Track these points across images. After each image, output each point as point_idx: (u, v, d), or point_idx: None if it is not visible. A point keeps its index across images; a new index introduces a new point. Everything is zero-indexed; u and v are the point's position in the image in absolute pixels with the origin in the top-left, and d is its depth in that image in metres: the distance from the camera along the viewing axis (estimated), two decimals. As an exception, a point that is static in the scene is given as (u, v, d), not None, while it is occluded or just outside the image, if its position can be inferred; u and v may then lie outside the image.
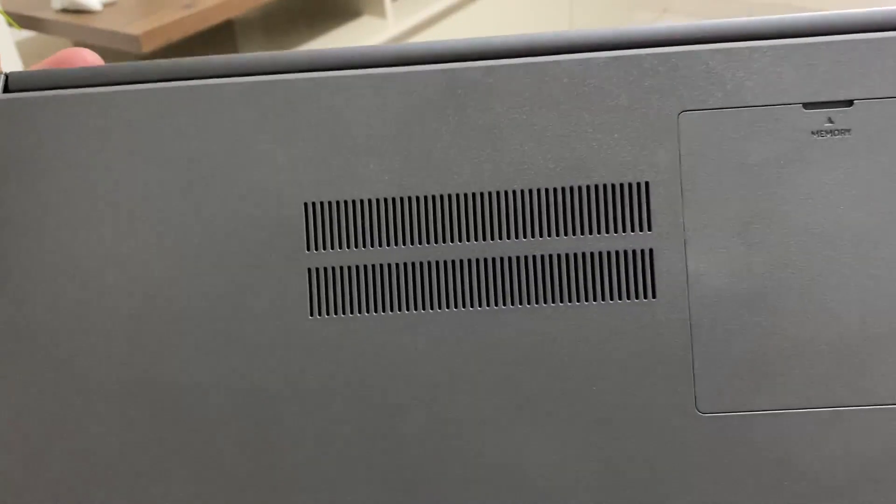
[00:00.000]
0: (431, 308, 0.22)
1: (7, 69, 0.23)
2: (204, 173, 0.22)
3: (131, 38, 1.01)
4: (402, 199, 0.22)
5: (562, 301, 0.22)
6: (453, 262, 0.22)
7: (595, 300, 0.22)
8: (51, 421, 0.22)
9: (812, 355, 0.21)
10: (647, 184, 0.22)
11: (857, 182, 0.21)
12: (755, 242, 0.22)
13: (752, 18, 0.22)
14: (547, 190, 0.22)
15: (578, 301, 0.22)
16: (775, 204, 0.22)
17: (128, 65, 0.23)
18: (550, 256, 0.22)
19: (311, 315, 0.22)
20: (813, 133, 0.22)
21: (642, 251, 0.22)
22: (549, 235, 0.22)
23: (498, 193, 0.22)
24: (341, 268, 0.22)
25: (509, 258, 0.22)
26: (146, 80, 0.23)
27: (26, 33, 1.17)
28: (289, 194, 0.22)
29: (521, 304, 0.22)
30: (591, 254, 0.22)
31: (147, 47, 1.01)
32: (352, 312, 0.22)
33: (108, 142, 0.22)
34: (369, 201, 0.22)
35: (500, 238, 0.22)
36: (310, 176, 0.22)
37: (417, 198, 0.22)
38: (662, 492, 0.22)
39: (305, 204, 0.22)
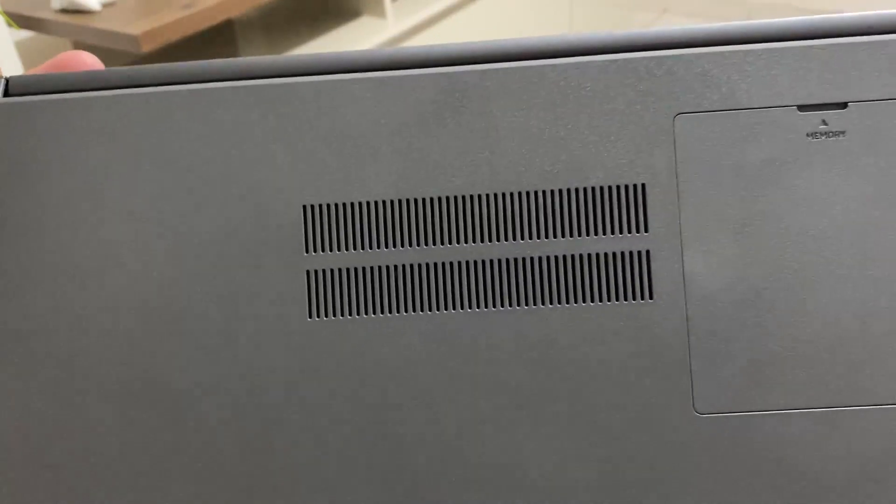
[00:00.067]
0: (430, 310, 0.22)
1: (6, 69, 0.23)
2: (203, 176, 0.22)
3: (130, 39, 1.01)
4: (400, 201, 0.22)
5: (559, 302, 0.22)
6: (451, 263, 0.22)
7: (592, 301, 0.22)
8: (51, 421, 0.22)
9: (809, 356, 0.22)
10: (643, 186, 0.22)
11: (852, 183, 0.22)
12: (751, 244, 0.22)
13: (747, 22, 0.22)
14: (544, 192, 0.22)
15: (576, 302, 0.22)
16: (771, 205, 0.22)
17: (128, 69, 0.23)
18: (548, 258, 0.22)
19: (310, 317, 0.22)
20: (808, 135, 0.22)
21: (639, 253, 0.22)
22: (547, 237, 0.22)
23: (495, 196, 0.22)
24: (340, 270, 0.22)
25: (507, 260, 0.22)
26: (146, 83, 0.23)
27: (26, 33, 1.17)
28: (287, 197, 0.22)
29: (519, 305, 0.22)
30: (589, 255, 0.22)
31: (146, 47, 1.01)
32: (350, 314, 0.22)
33: (108, 145, 0.22)
34: (367, 204, 0.22)
35: (498, 240, 0.22)
36: (308, 178, 0.22)
37: (415, 200, 0.22)
38: (661, 492, 0.22)
39: (304, 206, 0.22)
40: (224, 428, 0.22)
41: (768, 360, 0.22)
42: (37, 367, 0.22)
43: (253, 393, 0.22)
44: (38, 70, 0.24)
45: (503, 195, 0.22)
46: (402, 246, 0.22)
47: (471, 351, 0.22)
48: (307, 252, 0.22)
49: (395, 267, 0.22)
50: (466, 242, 0.22)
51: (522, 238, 0.22)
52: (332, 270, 0.22)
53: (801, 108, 0.22)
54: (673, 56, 0.22)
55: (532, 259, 0.22)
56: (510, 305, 0.22)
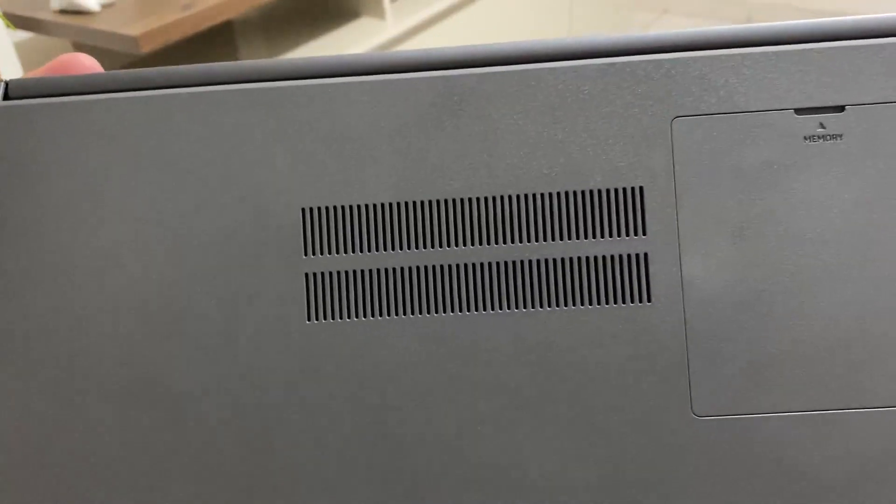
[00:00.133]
0: (429, 312, 0.22)
1: (5, 70, 0.23)
2: (203, 179, 0.22)
3: (130, 39, 1.01)
4: (398, 204, 0.22)
5: (558, 305, 0.22)
6: (450, 266, 0.22)
7: (591, 304, 0.22)
8: (51, 421, 0.22)
9: (807, 358, 0.22)
10: (641, 189, 0.22)
11: (849, 186, 0.22)
12: (749, 247, 0.22)
13: (744, 25, 0.22)
14: (542, 195, 0.22)
15: (574, 305, 0.22)
16: (768, 208, 0.22)
17: (127, 72, 0.23)
18: (546, 261, 0.22)
19: (309, 320, 0.22)
20: (805, 138, 0.22)
21: (637, 255, 0.22)
22: (545, 240, 0.22)
23: (493, 199, 0.22)
24: (339, 272, 0.22)
25: (505, 263, 0.22)
26: (145, 86, 0.23)
27: (25, 34, 1.17)
28: (286, 199, 0.22)
29: (517, 308, 0.22)
30: (587, 258, 0.22)
31: (145, 48, 1.01)
32: (349, 317, 0.22)
33: (107, 148, 0.23)
34: (366, 206, 0.22)
35: (497, 243, 0.22)
36: (307, 181, 0.22)
37: (414, 203, 0.22)
38: (660, 493, 0.22)
39: (303, 209, 0.22)
40: (224, 428, 0.22)
41: (767, 363, 0.22)
42: (37, 368, 0.22)
43: (253, 394, 0.22)
44: (37, 72, 0.24)
45: (501, 198, 0.22)
46: (401, 249, 0.22)
47: (470, 353, 0.22)
48: (306, 255, 0.22)
49: (394, 270, 0.22)
50: (465, 245, 0.22)
51: (521, 241, 0.22)
52: (330, 273, 0.22)
53: (799, 111, 0.22)
54: (671, 59, 0.22)
55: (531, 262, 0.22)
56: (508, 308, 0.22)
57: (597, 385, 0.22)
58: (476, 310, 0.22)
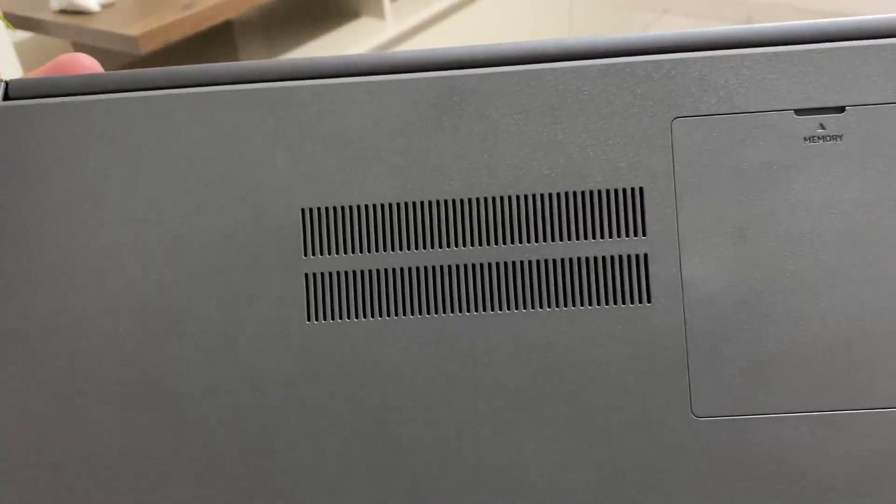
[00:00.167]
0: (428, 313, 0.22)
1: (5, 70, 0.23)
2: (202, 179, 0.22)
3: (129, 39, 1.01)
4: (398, 204, 0.22)
5: (557, 306, 0.22)
6: (449, 267, 0.22)
7: (590, 305, 0.22)
8: (51, 422, 0.22)
9: (807, 359, 0.22)
10: (641, 189, 0.22)
11: (849, 187, 0.22)
12: (749, 247, 0.22)
13: (744, 26, 0.22)
14: (542, 196, 0.22)
15: (574, 306, 0.22)
16: (768, 209, 0.22)
17: (127, 72, 0.23)
18: (546, 261, 0.22)
19: (308, 320, 0.22)
20: (805, 139, 0.22)
21: (637, 256, 0.22)
22: (545, 241, 0.22)
23: (493, 199, 0.22)
24: (339, 273, 0.22)
25: (505, 263, 0.22)
26: (145, 87, 0.23)
27: (24, 34, 1.17)
28: (286, 200, 0.22)
29: (517, 308, 0.22)
30: (587, 259, 0.22)
31: (145, 48, 1.01)
32: (349, 318, 0.22)
33: (107, 149, 0.23)
34: (366, 207, 0.22)
35: (496, 243, 0.22)
36: (307, 182, 0.22)
37: (414, 203, 0.22)
38: (660, 494, 0.22)
39: (303, 210, 0.22)
40: (224, 429, 0.22)
41: (766, 363, 0.22)
42: (37, 368, 0.22)
43: (253, 394, 0.22)
44: (37, 72, 0.24)
45: (501, 198, 0.22)
46: (401, 249, 0.22)
47: (469, 354, 0.22)
48: (306, 255, 0.22)
49: (394, 270, 0.22)
50: (465, 246, 0.22)
51: (521, 241, 0.22)
52: (330, 273, 0.22)
53: (799, 111, 0.22)
54: (671, 60, 0.22)
55: (530, 262, 0.22)
56: (508, 309, 0.22)
57: (597, 385, 0.22)
58: (476, 310, 0.22)
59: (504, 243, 0.22)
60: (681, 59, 0.22)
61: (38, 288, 0.22)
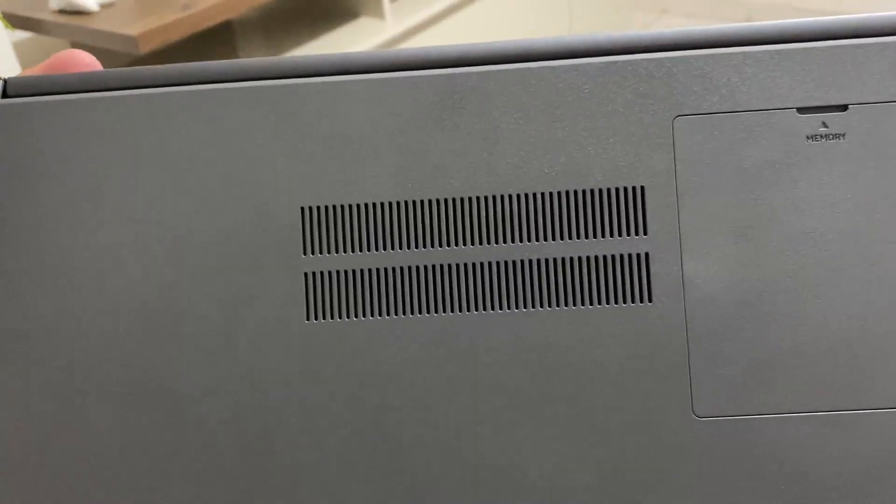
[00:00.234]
0: (428, 312, 0.22)
1: (4, 70, 0.23)
2: (202, 178, 0.22)
3: (129, 39, 1.01)
4: (398, 203, 0.22)
5: (558, 305, 0.22)
6: (450, 266, 0.22)
7: (591, 304, 0.22)
8: (51, 421, 0.22)
9: (809, 359, 0.22)
10: (642, 188, 0.22)
11: (852, 186, 0.22)
12: (750, 246, 0.22)
13: (746, 24, 0.22)
14: (543, 194, 0.22)
15: (575, 305, 0.22)
16: (770, 208, 0.22)
17: (126, 70, 0.23)
18: (546, 260, 0.22)
19: (308, 319, 0.22)
20: (808, 137, 0.22)
21: (638, 255, 0.22)
22: (546, 240, 0.22)
23: (494, 198, 0.22)
24: (338, 272, 0.22)
25: (506, 262, 0.22)
26: (144, 85, 0.23)
27: (23, 34, 1.17)
28: (285, 198, 0.22)
29: (517, 308, 0.22)
30: (587, 258, 0.22)
31: (144, 48, 1.01)
32: (348, 317, 0.22)
33: (106, 147, 0.22)
34: (366, 205, 0.22)
35: (497, 242, 0.22)
36: (307, 180, 0.22)
37: (414, 202, 0.22)
38: (661, 494, 0.22)
39: (302, 208, 0.22)
40: (224, 429, 0.22)
41: (768, 363, 0.22)
42: (37, 368, 0.22)
43: (253, 394, 0.22)
44: (35, 70, 0.24)
45: (501, 197, 0.22)
46: (401, 248, 0.22)
47: (469, 353, 0.22)
48: (305, 254, 0.22)
49: (394, 269, 0.22)
50: (465, 245, 0.22)
51: (521, 240, 0.22)
52: (330, 272, 0.22)
53: (801, 110, 0.22)
54: (672, 58, 0.22)
55: (531, 261, 0.22)
56: (508, 308, 0.22)
57: (597, 385, 0.22)
58: (476, 309, 0.22)
59: (504, 242, 0.22)
60: (682, 57, 0.22)
61: (38, 288, 0.22)
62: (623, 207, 0.22)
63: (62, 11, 1.09)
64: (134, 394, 0.22)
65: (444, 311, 0.22)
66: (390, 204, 0.22)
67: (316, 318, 0.22)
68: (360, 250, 0.22)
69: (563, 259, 0.22)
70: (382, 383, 0.22)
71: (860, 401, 0.21)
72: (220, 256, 0.22)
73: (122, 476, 0.22)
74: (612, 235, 0.22)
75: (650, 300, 0.22)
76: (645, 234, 0.22)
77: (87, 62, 0.24)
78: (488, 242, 0.22)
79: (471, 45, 0.22)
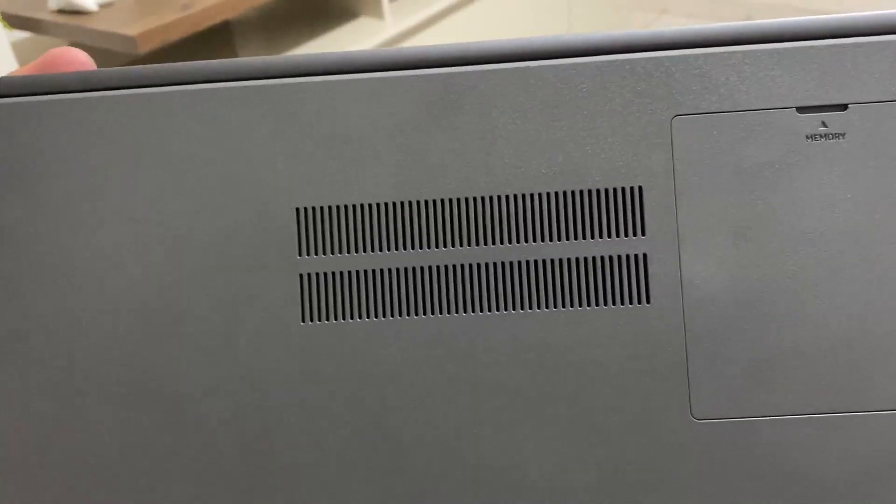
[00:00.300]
0: (425, 313, 0.22)
1: (2, 70, 0.23)
2: (196, 178, 0.22)
3: (128, 39, 1.01)
4: (395, 203, 0.22)
5: (556, 306, 0.22)
6: (447, 266, 0.22)
7: (589, 305, 0.22)
8: (51, 422, 0.22)
9: (808, 360, 0.21)
10: (640, 188, 0.22)
11: (851, 186, 0.21)
12: (750, 247, 0.22)
13: (745, 23, 0.22)
14: (540, 195, 0.22)
15: (572, 306, 0.22)
16: (770, 208, 0.22)
17: (120, 69, 0.23)
18: (544, 261, 0.22)
19: (304, 321, 0.22)
20: (807, 137, 0.22)
21: (636, 256, 0.22)
22: (543, 240, 0.22)
23: (491, 198, 0.22)
24: (334, 273, 0.22)
25: (503, 263, 0.22)
26: (139, 84, 0.23)
27: (22, 34, 1.17)
28: (281, 199, 0.22)
29: (515, 309, 0.22)
30: (585, 259, 0.22)
31: (143, 48, 1.01)
32: (345, 318, 0.22)
33: (100, 147, 0.22)
34: (362, 206, 0.22)
35: (494, 243, 0.22)
36: (302, 180, 0.22)
37: (411, 202, 0.22)
38: (661, 495, 0.22)
39: (297, 209, 0.22)
40: (224, 429, 0.22)
41: (767, 365, 0.22)
42: (37, 368, 0.22)
43: (252, 395, 0.22)
44: (27, 68, 0.24)
45: (499, 198, 0.22)
46: (397, 249, 0.22)
47: (468, 354, 0.22)
48: (300, 255, 0.22)
49: (390, 270, 0.22)
50: (462, 245, 0.22)
51: (519, 241, 0.22)
52: (325, 274, 0.22)
53: (801, 109, 0.22)
54: (671, 57, 0.22)
55: (529, 262, 0.22)
56: (506, 309, 0.22)
57: (596, 386, 0.22)
58: (474, 311, 0.22)
59: (501, 243, 0.22)
60: (681, 56, 0.22)
61: (38, 288, 0.22)
62: (621, 208, 0.22)
63: (61, 11, 1.09)
64: (134, 394, 0.22)
65: (442, 313, 0.22)
66: (387, 204, 0.22)
67: (312, 320, 0.22)
68: (357, 251, 0.22)
69: (560, 260, 0.22)
70: (382, 384, 0.22)
71: (860, 402, 0.21)
72: (220, 256, 0.22)
73: (122, 476, 0.22)
74: (609, 236, 0.22)
75: (648, 301, 0.22)
76: (643, 234, 0.22)
77: (81, 60, 0.24)
78: (485, 243, 0.22)
79: (469, 43, 0.22)
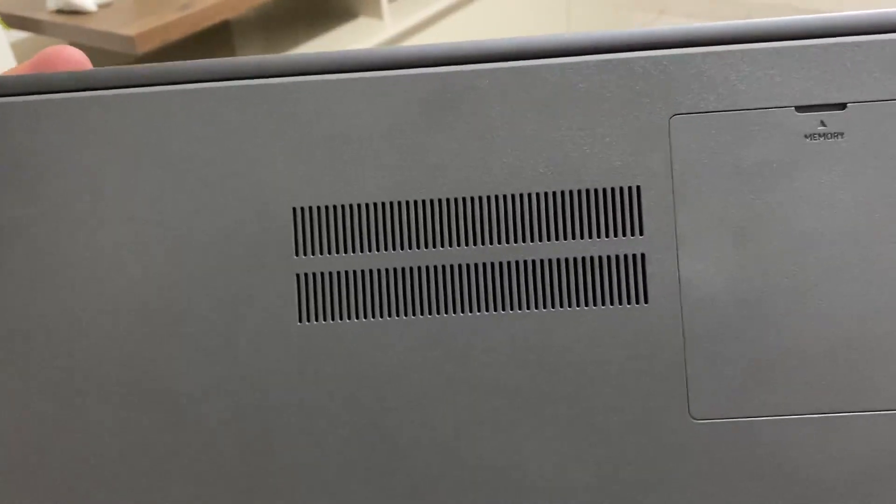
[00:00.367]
0: (422, 313, 0.22)
1: (1, 70, 0.22)
2: (192, 178, 0.22)
3: (126, 40, 1.01)
4: (392, 203, 0.22)
5: (553, 306, 0.22)
6: (445, 266, 0.22)
7: (587, 305, 0.22)
8: (51, 422, 0.22)
9: (807, 360, 0.21)
10: (638, 188, 0.22)
11: (850, 185, 0.21)
12: (748, 246, 0.22)
13: (744, 21, 0.22)
14: (538, 194, 0.22)
15: (570, 306, 0.22)
16: (768, 208, 0.22)
17: (115, 69, 0.23)
18: (542, 261, 0.22)
19: (300, 321, 0.22)
20: (806, 136, 0.22)
21: (634, 256, 0.22)
22: (541, 240, 0.22)
23: (489, 198, 0.22)
24: (330, 273, 0.22)
25: (501, 263, 0.22)
26: (134, 84, 0.22)
27: (21, 34, 1.17)
28: (278, 198, 0.22)
29: (513, 309, 0.22)
30: (583, 258, 0.22)
31: (142, 48, 1.01)
32: (341, 318, 0.22)
33: (97, 146, 0.22)
34: (359, 206, 0.22)
35: (492, 243, 0.22)
36: (298, 180, 0.22)
37: (408, 202, 0.22)
38: (661, 494, 0.22)
39: (294, 209, 0.22)
40: (224, 429, 0.22)
41: (766, 365, 0.21)
42: (37, 368, 0.22)
43: (252, 395, 0.22)
44: (22, 67, 0.24)
45: (497, 197, 0.22)
46: (394, 249, 0.22)
47: (466, 354, 0.22)
48: (297, 255, 0.22)
49: (388, 270, 0.22)
50: (460, 245, 0.22)
51: (517, 241, 0.22)
52: (322, 274, 0.22)
53: (800, 108, 0.22)
54: (669, 56, 0.22)
55: (526, 262, 0.22)
56: (504, 309, 0.22)
57: (595, 386, 0.22)
58: (471, 311, 0.22)
59: (499, 243, 0.22)
60: (679, 55, 0.22)
61: (38, 288, 0.22)
62: (619, 207, 0.22)
63: (60, 11, 1.09)
64: (134, 394, 0.22)
65: (440, 313, 0.22)
66: (384, 204, 0.22)
67: (308, 320, 0.22)
68: (354, 251, 0.22)
69: (558, 260, 0.22)
70: (380, 384, 0.22)
71: (860, 402, 0.21)
72: (219, 256, 0.22)
73: (122, 476, 0.22)
74: (607, 236, 0.22)
75: (646, 301, 0.22)
76: (641, 234, 0.22)
77: (77, 58, 0.24)
78: (483, 243, 0.22)
79: (466, 42, 0.22)
